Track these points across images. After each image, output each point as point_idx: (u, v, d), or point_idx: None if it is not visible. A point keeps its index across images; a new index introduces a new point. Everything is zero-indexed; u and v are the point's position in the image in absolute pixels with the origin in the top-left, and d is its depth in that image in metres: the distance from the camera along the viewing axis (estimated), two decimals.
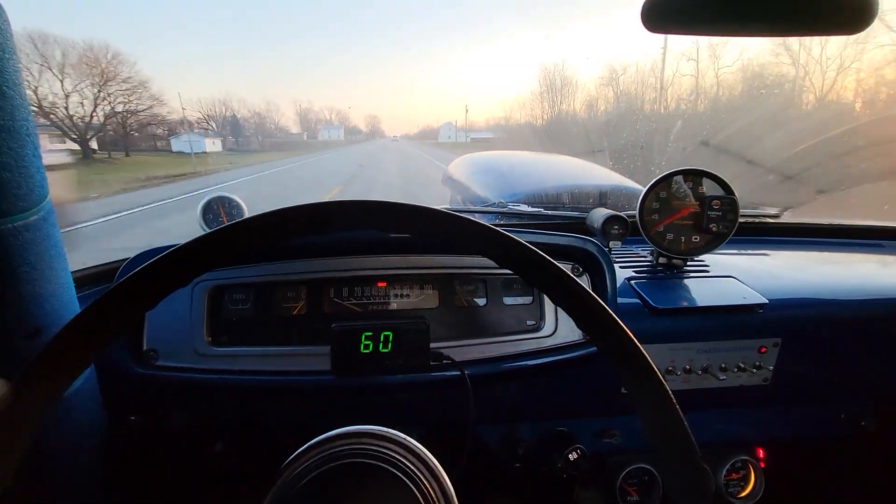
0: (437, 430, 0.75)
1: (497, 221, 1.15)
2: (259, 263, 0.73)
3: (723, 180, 0.89)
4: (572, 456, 0.78)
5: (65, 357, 0.31)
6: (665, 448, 0.32)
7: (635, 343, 0.32)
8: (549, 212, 1.13)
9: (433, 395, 0.77)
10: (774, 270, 0.98)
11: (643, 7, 0.60)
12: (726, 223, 0.87)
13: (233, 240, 0.33)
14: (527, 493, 0.91)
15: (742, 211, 0.88)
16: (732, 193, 0.88)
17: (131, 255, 0.70)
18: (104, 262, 0.80)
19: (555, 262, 0.34)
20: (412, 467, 0.37)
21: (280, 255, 0.74)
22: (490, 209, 1.17)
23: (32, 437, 0.31)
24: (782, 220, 1.22)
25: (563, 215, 1.12)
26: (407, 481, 0.36)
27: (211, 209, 1.00)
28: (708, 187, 0.90)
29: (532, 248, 0.34)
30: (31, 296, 0.47)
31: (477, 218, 0.35)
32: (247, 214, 1.02)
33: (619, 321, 0.33)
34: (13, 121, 0.40)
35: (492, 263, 0.78)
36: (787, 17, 0.59)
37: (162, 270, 0.32)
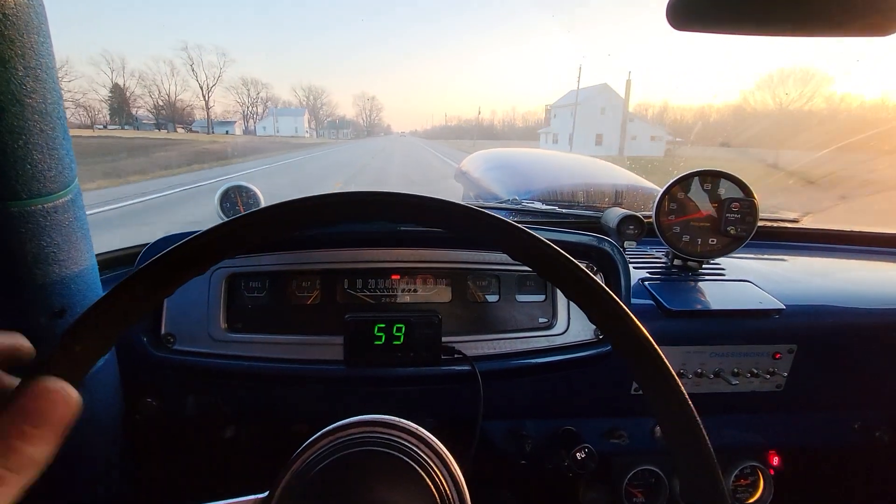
0: (445, 424, 0.76)
1: (512, 218, 1.15)
2: (274, 252, 0.74)
3: (743, 182, 0.88)
4: (580, 455, 0.78)
5: (86, 342, 0.31)
6: (682, 460, 0.32)
7: (658, 352, 0.32)
8: (564, 210, 1.13)
9: (443, 388, 0.78)
10: (792, 276, 0.96)
11: (668, 5, 0.59)
12: (745, 226, 0.86)
13: (269, 225, 0.33)
14: (532, 490, 0.91)
15: (760, 215, 0.87)
16: (752, 196, 0.87)
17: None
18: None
19: (578, 262, 0.33)
20: (425, 458, 0.37)
21: (295, 244, 0.75)
22: (504, 206, 1.17)
23: None
24: (801, 224, 1.20)
25: (577, 214, 1.11)
26: (420, 471, 0.36)
27: (228, 198, 1.01)
28: (727, 189, 0.89)
29: (560, 250, 0.34)
30: (57, 276, 0.49)
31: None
32: (262, 203, 1.04)
33: (644, 330, 0.32)
34: (45, 104, 0.41)
35: (505, 259, 0.78)
36: (815, 16, 0.58)
37: (190, 253, 0.32)
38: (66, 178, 0.46)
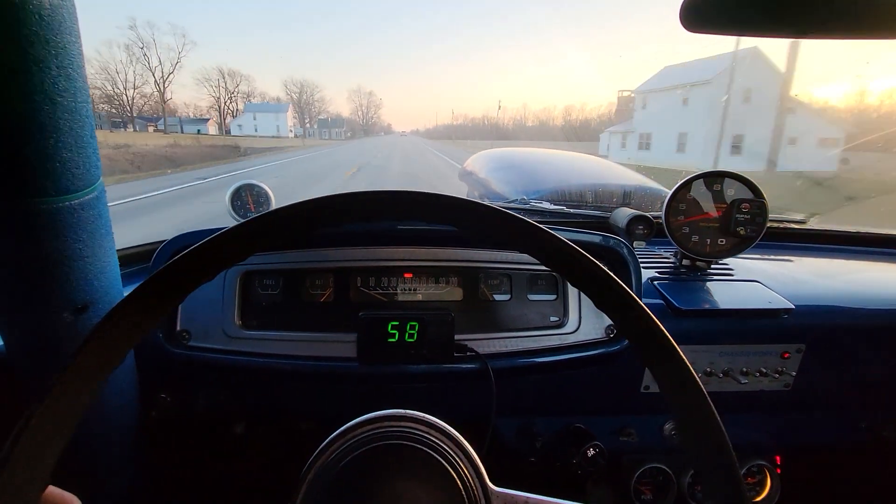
0: (457, 420, 0.76)
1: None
2: (288, 250, 0.75)
3: (752, 183, 0.88)
4: (590, 452, 0.78)
5: (108, 344, 0.30)
6: (701, 460, 0.32)
7: (677, 349, 0.32)
8: (572, 210, 1.13)
9: (455, 385, 0.78)
10: (800, 276, 0.97)
11: (682, 7, 0.60)
12: (754, 227, 0.87)
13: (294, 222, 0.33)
14: (541, 487, 0.91)
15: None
16: (762, 197, 0.87)
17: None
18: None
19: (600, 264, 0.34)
20: (450, 451, 0.38)
21: (308, 242, 0.75)
22: (513, 205, 1.17)
23: (78, 419, 0.30)
24: (808, 226, 1.21)
25: (585, 214, 1.12)
26: (445, 464, 0.37)
27: (239, 196, 1.02)
28: (736, 190, 0.90)
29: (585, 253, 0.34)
30: (82, 272, 0.49)
31: None
32: (273, 202, 1.04)
33: (668, 334, 0.33)
34: (75, 102, 0.42)
35: (516, 258, 0.78)
36: (828, 18, 0.58)
37: (212, 251, 0.32)
38: (92, 175, 0.47)
